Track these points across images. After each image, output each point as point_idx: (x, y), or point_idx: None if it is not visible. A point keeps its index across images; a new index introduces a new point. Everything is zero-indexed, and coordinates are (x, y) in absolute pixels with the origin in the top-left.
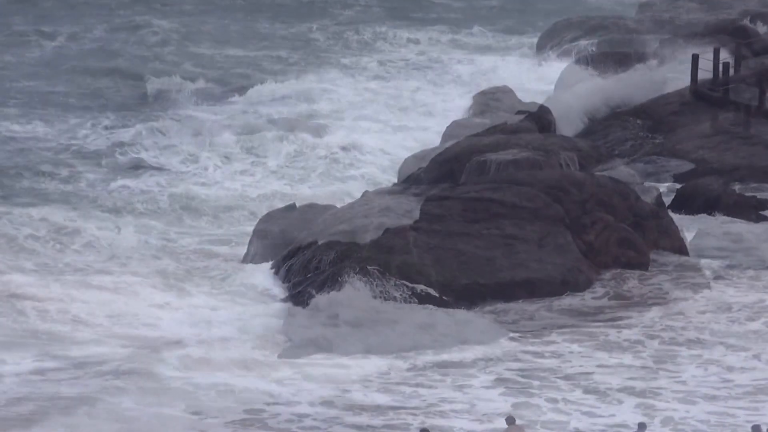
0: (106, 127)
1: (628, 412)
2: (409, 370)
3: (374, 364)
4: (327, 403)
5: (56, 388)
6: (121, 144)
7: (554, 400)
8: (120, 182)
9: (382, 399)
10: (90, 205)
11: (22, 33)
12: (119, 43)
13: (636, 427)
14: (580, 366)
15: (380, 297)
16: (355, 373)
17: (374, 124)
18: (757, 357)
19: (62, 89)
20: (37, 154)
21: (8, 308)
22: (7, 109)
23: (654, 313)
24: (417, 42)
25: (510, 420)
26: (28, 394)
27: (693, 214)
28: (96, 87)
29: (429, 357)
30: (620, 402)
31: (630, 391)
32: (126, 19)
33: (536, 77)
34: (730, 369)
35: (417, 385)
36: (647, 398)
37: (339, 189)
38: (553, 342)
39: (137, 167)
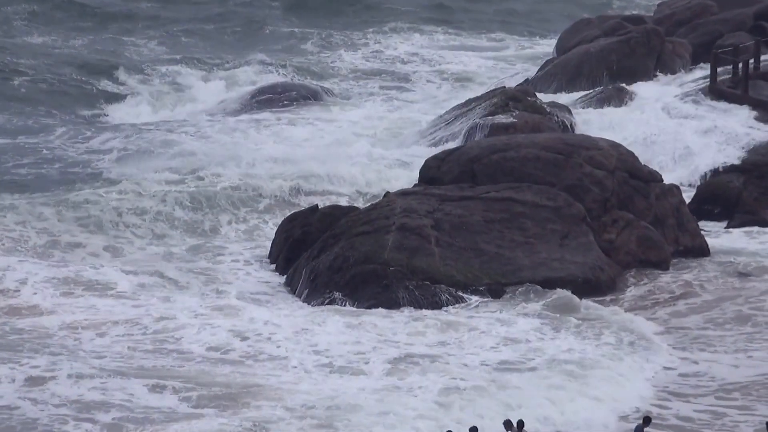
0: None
1: (611, 408)
2: None
3: None
4: None
5: None
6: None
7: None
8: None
9: None
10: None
11: None
12: None
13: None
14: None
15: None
16: None
17: None
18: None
19: None
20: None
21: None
22: None
23: (670, 309)
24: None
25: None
26: None
27: (713, 212)
28: None
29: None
30: (599, 399)
31: (618, 390)
32: None
33: None
34: (733, 366)
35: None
36: (634, 396)
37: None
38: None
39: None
